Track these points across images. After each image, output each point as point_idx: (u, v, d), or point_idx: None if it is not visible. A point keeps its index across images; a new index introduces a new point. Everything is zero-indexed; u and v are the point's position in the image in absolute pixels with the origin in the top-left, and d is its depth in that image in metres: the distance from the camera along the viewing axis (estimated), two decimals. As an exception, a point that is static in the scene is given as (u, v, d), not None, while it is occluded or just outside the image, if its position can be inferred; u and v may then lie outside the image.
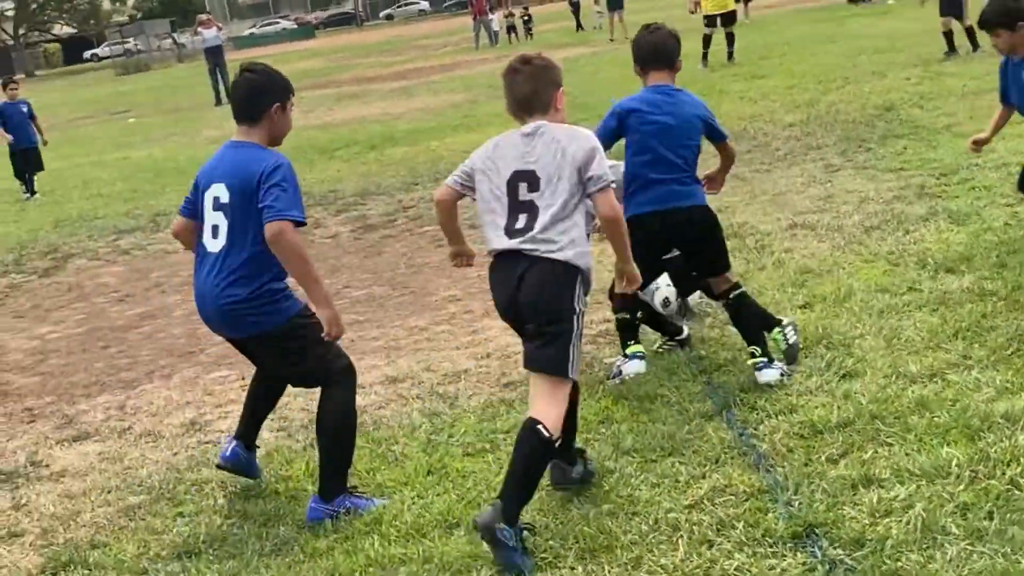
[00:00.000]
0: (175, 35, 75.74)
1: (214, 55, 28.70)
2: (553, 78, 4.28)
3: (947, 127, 10.41)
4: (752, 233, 7.73)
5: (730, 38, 19.69)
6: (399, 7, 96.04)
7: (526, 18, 38.85)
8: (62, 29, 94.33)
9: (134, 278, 9.67)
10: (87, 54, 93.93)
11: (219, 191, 4.46)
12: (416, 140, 15.55)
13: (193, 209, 4.60)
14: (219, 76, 28.21)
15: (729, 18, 19.80)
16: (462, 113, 18.08)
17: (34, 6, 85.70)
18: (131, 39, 74.36)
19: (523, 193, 4.09)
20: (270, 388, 4.88)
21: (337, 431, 4.51)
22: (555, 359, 3.97)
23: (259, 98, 4.54)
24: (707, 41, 19.57)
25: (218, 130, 21.04)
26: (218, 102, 27.75)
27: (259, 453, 4.97)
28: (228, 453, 4.75)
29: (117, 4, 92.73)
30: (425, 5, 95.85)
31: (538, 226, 4.02)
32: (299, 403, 5.73)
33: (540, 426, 3.87)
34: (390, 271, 8.59)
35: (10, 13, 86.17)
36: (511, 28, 38.55)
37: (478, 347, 6.35)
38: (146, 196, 14.01)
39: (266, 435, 5.44)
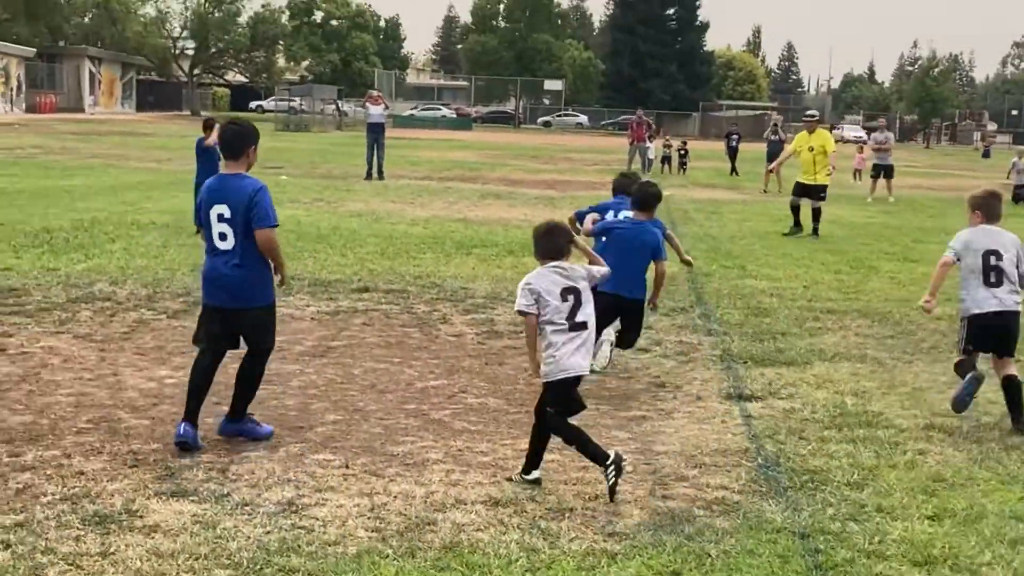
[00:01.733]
0: (340, 102, 78.14)
1: (375, 131, 29.39)
2: None
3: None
4: (886, 426, 7.44)
5: (815, 213, 19.15)
6: (558, 116, 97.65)
7: (683, 151, 39.02)
8: (235, 76, 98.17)
9: (258, 338, 9.73)
10: (253, 104, 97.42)
11: (222, 209, 6.57)
12: (554, 254, 15.53)
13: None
14: (376, 151, 28.84)
15: (816, 192, 19.31)
16: (604, 235, 18.06)
17: (213, 50, 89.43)
18: (298, 98, 76.88)
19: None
20: (214, 369, 6.85)
21: (256, 382, 6.87)
22: None
23: (241, 142, 6.70)
24: (795, 211, 19.36)
25: (363, 203, 21.46)
26: (368, 176, 28.34)
27: (348, 551, 4.89)
28: (182, 432, 6.49)
29: (291, 64, 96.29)
30: (583, 119, 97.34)
31: None
32: (396, 506, 5.63)
33: None
34: (509, 384, 8.49)
35: (190, 52, 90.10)
36: (666, 159, 38.75)
37: (587, 486, 6.17)
38: (285, 257, 14.19)
39: (361, 533, 5.35)
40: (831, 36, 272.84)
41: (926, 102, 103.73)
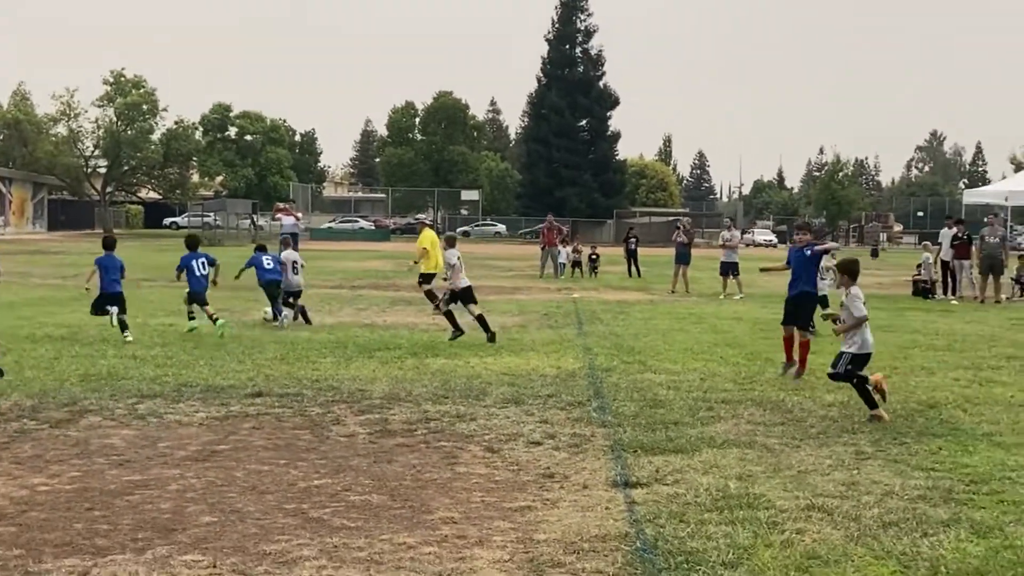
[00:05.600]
0: (255, 216, 78.10)
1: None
2: None
3: (987, 435, 10.16)
4: (767, 507, 7.45)
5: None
6: (476, 225, 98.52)
7: (594, 256, 39.58)
8: (148, 193, 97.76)
9: (140, 444, 9.53)
10: (167, 221, 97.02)
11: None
12: (458, 355, 15.54)
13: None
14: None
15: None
16: (509, 336, 18.12)
17: (126, 168, 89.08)
18: (212, 213, 76.74)
19: None
20: None
21: None
22: None
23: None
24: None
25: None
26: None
27: None
28: None
29: (206, 179, 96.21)
30: (502, 228, 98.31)
31: None
32: None
33: None
34: (396, 481, 8.37)
35: (102, 170, 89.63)
36: (576, 263, 39.19)
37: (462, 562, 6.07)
38: (178, 365, 14.02)
39: None
40: (741, 144, 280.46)
41: (832, 205, 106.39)
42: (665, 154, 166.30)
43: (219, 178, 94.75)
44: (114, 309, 16.78)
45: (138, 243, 64.30)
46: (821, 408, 11.56)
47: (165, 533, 6.84)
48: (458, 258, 17.72)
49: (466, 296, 17.68)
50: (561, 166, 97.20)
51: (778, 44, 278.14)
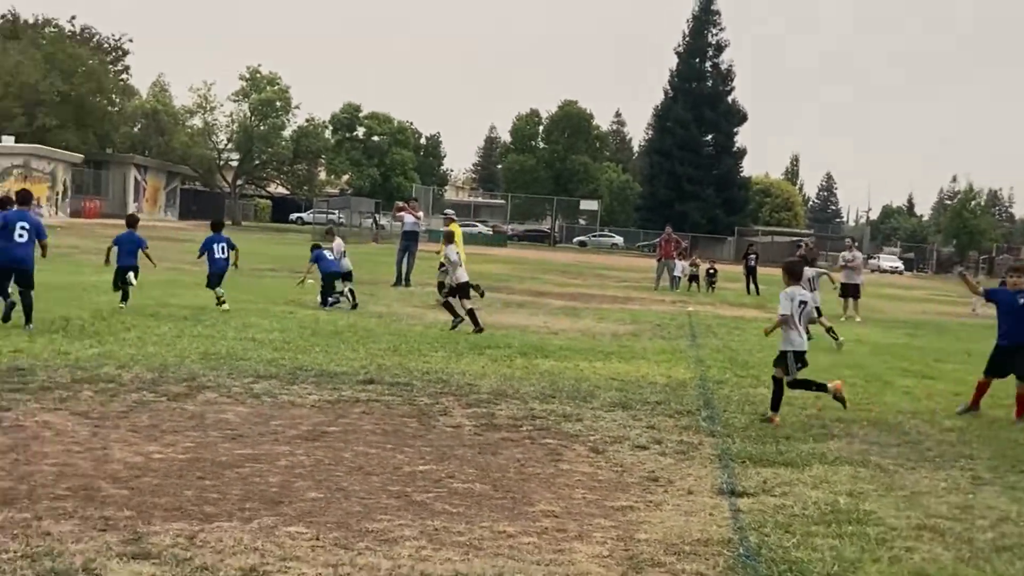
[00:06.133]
0: (377, 215, 79.25)
1: (408, 239, 29.71)
2: None
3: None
4: (877, 524, 7.26)
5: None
6: (594, 236, 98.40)
7: (711, 271, 39.11)
8: (276, 188, 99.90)
9: (253, 420, 9.72)
10: (293, 216, 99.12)
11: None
12: (566, 357, 15.51)
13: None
14: (407, 259, 29.09)
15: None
16: (620, 343, 18.04)
17: (257, 162, 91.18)
18: (336, 211, 78.08)
19: None
20: None
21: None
22: None
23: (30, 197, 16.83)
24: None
25: (385, 307, 21.58)
26: (397, 283, 28.55)
27: None
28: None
29: (332, 177, 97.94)
30: (619, 240, 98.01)
31: None
32: (360, 577, 5.50)
33: None
34: (499, 472, 8.38)
35: (234, 163, 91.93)
36: (693, 277, 38.81)
37: (559, 567, 6.04)
38: (295, 351, 14.27)
39: None
40: (870, 168, 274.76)
41: (963, 234, 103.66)
42: (792, 174, 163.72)
43: (345, 176, 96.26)
44: (131, 275, 18.48)
45: (265, 235, 65.84)
46: (939, 432, 11.23)
47: (272, 505, 6.96)
48: (457, 254, 19.07)
49: (463, 290, 18.66)
50: (684, 180, 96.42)
51: (912, 71, 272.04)
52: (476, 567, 5.94)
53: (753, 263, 38.59)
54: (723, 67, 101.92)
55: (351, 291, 21.54)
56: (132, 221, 19.82)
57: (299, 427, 9.58)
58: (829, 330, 19.96)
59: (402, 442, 9.26)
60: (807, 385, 11.62)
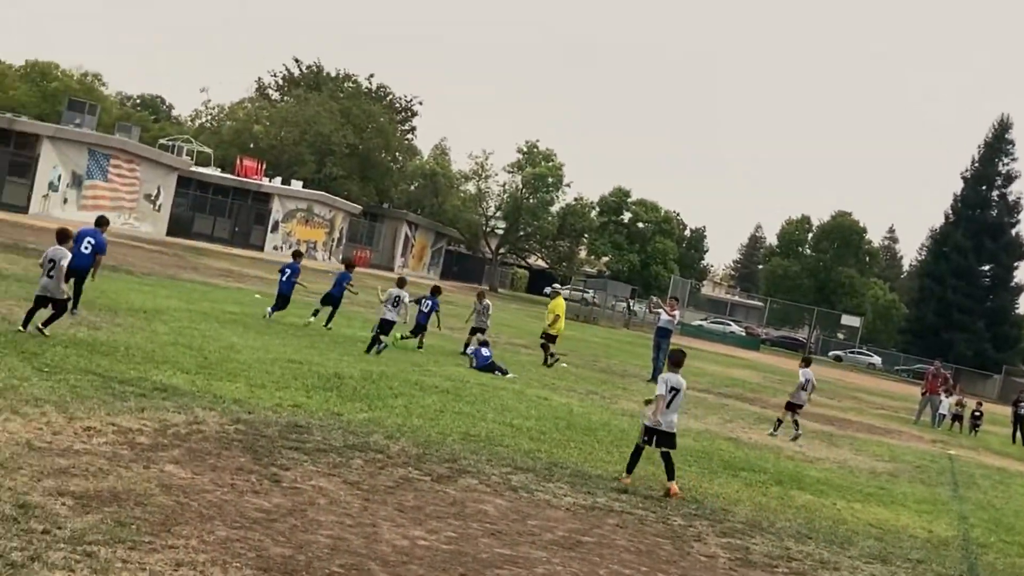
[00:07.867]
0: (631, 301, 79.51)
1: (660, 335, 29.67)
2: None
3: None
4: None
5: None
6: (851, 352, 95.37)
7: (977, 413, 37.13)
8: (536, 260, 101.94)
9: (511, 517, 9.86)
10: (547, 289, 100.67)
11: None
12: (823, 493, 15.01)
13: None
14: (660, 355, 29.02)
15: None
16: (879, 483, 17.33)
17: (522, 233, 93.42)
18: (592, 290, 78.89)
19: None
20: None
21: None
22: None
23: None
24: None
25: (636, 404, 21.50)
26: (653, 379, 28.46)
27: None
28: None
29: (592, 257, 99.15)
30: (877, 360, 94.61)
31: None
32: None
33: None
34: (753, 619, 8.17)
35: (499, 232, 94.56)
36: (957, 417, 36.93)
37: None
38: (551, 443, 14.41)
39: None
40: None
41: None
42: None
43: (605, 258, 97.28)
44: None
45: (520, 306, 67.13)
46: None
47: (530, 619, 7.01)
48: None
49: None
50: (954, 308, 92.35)
51: None
52: None
53: (1023, 411, 36.41)
54: (1011, 198, 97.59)
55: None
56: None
57: (555, 531, 9.65)
58: None
59: (656, 566, 9.17)
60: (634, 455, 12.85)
